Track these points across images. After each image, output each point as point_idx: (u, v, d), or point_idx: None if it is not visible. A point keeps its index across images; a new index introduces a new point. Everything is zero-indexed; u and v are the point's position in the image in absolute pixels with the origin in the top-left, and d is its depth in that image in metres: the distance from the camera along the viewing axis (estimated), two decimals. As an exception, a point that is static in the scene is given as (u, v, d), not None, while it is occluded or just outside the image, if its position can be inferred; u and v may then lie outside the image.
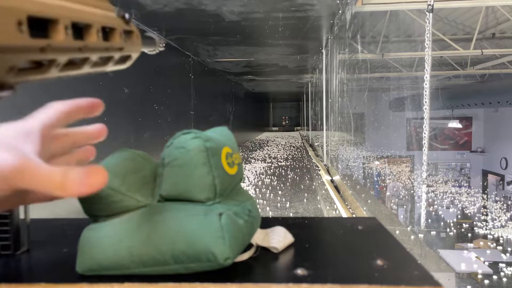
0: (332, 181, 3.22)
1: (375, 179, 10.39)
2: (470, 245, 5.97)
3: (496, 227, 6.76)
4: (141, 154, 0.34)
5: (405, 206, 9.12)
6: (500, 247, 5.67)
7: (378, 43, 4.94)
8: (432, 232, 6.47)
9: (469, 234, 6.68)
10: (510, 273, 4.67)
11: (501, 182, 9.46)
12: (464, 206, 8.40)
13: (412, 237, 2.00)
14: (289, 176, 3.48)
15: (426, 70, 2.26)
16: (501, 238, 6.08)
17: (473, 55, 5.25)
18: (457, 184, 10.24)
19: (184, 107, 3.75)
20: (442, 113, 9.58)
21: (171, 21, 2.69)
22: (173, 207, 0.31)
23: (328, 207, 2.31)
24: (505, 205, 8.15)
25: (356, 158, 10.25)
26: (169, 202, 0.31)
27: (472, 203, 8.49)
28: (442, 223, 7.36)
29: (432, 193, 8.93)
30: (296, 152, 5.57)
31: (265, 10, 2.45)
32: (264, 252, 0.34)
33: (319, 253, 0.35)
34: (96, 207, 0.30)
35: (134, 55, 0.28)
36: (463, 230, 6.97)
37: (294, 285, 0.29)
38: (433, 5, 2.27)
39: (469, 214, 8.07)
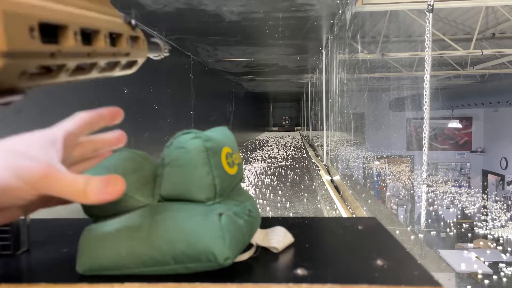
0: (332, 181, 3.22)
1: (375, 179, 10.39)
2: (470, 245, 5.97)
3: (496, 227, 6.76)
4: (141, 154, 0.34)
5: (405, 206, 9.12)
6: (500, 247, 5.67)
7: (378, 43, 4.94)
8: (432, 232, 6.48)
9: (469, 234, 6.68)
10: (510, 273, 4.67)
11: (501, 182, 9.46)
12: (464, 206, 8.40)
13: (412, 237, 2.00)
14: (289, 176, 3.48)
15: (426, 70, 2.26)
16: (501, 238, 6.08)
17: (473, 55, 5.25)
18: (457, 184, 10.24)
19: (184, 107, 3.75)
20: (442, 113, 9.58)
21: (171, 21, 2.69)
22: (173, 207, 0.31)
23: (328, 207, 2.31)
24: (505, 205, 8.15)
25: (356, 158, 10.25)
26: (169, 202, 0.31)
27: (472, 203, 8.49)
28: (442, 223, 7.36)
29: (432, 193, 8.93)
30: (296, 152, 5.57)
31: (265, 10, 2.45)
32: (264, 252, 0.34)
33: (319, 253, 0.35)
34: (96, 207, 0.30)
35: (140, 60, 0.28)
36: (463, 230, 6.97)
37: (294, 285, 0.29)
38: (433, 5, 2.27)
39: (469, 214, 8.07)
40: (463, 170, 10.81)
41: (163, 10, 2.39)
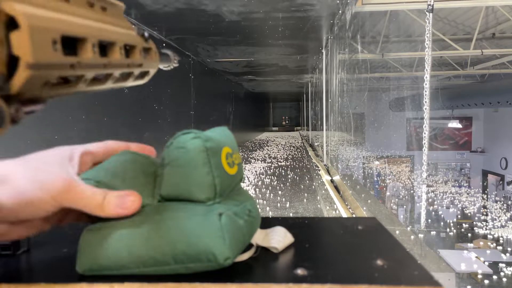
0: (332, 181, 3.22)
1: (375, 179, 10.40)
2: (470, 245, 5.98)
3: (496, 227, 6.76)
4: (141, 154, 0.34)
5: (405, 206, 9.13)
6: (500, 247, 5.68)
7: (378, 43, 4.94)
8: (432, 232, 6.48)
9: (469, 234, 6.68)
10: (510, 273, 4.67)
11: (501, 182, 9.46)
12: (464, 206, 8.41)
13: (412, 237, 2.00)
14: (289, 176, 3.48)
15: (426, 70, 2.27)
16: (501, 238, 6.08)
17: (473, 55, 5.26)
18: (457, 184, 10.24)
19: (184, 107, 3.75)
20: (442, 113, 9.58)
21: (171, 21, 2.69)
22: (173, 207, 0.31)
23: (328, 207, 2.32)
24: (505, 205, 8.16)
25: (356, 158, 10.26)
26: (169, 202, 0.31)
27: (472, 203, 8.49)
28: (442, 223, 7.36)
29: (432, 193, 8.93)
30: (296, 152, 5.58)
31: (265, 10, 2.45)
32: (264, 252, 0.34)
33: (319, 253, 0.35)
34: None
35: (152, 71, 0.30)
36: (463, 230, 6.97)
37: (294, 285, 0.29)
38: (433, 5, 2.27)
39: (469, 214, 8.07)
40: (463, 170, 10.81)
41: (163, 10, 2.39)
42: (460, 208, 8.41)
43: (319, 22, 2.79)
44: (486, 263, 4.82)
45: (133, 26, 0.27)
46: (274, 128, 13.89)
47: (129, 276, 0.29)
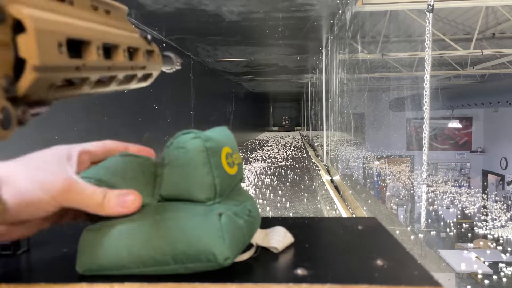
0: (332, 181, 3.22)
1: (375, 179, 10.40)
2: (470, 245, 5.98)
3: (496, 227, 6.76)
4: (141, 155, 0.34)
5: (405, 206, 9.13)
6: (500, 247, 5.68)
7: (378, 43, 4.94)
8: (432, 232, 6.48)
9: (469, 234, 6.68)
10: (510, 273, 4.67)
11: (501, 182, 9.46)
12: (464, 206, 8.41)
13: (412, 237, 2.00)
14: (289, 176, 3.48)
15: (426, 70, 2.27)
16: (501, 238, 6.08)
17: (473, 55, 5.26)
18: (457, 184, 10.24)
19: (184, 107, 3.75)
20: (442, 113, 9.58)
21: (171, 21, 2.69)
22: (173, 207, 0.31)
23: (328, 207, 2.32)
24: (505, 205, 8.16)
25: (356, 158, 10.26)
26: (169, 202, 0.31)
27: (472, 203, 8.49)
28: (442, 223, 7.36)
29: (432, 193, 8.93)
30: (296, 152, 5.58)
31: (265, 10, 2.45)
32: (264, 252, 0.34)
33: (319, 253, 0.35)
34: None
35: (155, 73, 0.30)
36: (463, 230, 6.97)
37: (294, 285, 0.29)
38: (433, 5, 2.27)
39: (469, 214, 8.07)
40: (463, 170, 10.81)
41: (163, 10, 2.39)
42: (460, 208, 8.41)
43: (319, 22, 2.79)
44: (486, 263, 4.82)
45: (136, 29, 0.27)
46: (274, 128, 13.89)
47: (129, 276, 0.29)
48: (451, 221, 7.35)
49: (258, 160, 4.77)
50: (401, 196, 9.30)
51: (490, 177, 10.02)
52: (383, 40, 4.85)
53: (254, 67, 5.14)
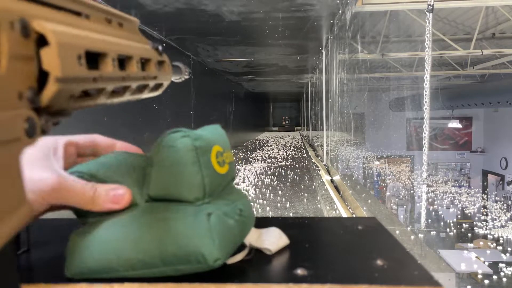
0: (332, 181, 3.22)
1: (375, 179, 10.40)
2: (470, 245, 5.98)
3: (496, 227, 6.76)
4: (134, 154, 0.33)
5: (405, 206, 9.13)
6: (500, 247, 5.68)
7: (378, 43, 4.94)
8: (432, 232, 6.48)
9: (469, 234, 6.68)
10: (510, 273, 4.67)
11: (501, 182, 9.46)
12: (464, 206, 8.41)
13: (412, 237, 2.01)
14: (289, 176, 3.48)
15: (426, 70, 2.27)
16: (501, 238, 6.08)
17: (473, 55, 5.26)
18: (457, 184, 10.24)
19: (184, 107, 3.75)
20: (442, 113, 9.58)
21: (171, 21, 2.69)
22: (161, 207, 0.30)
23: (328, 207, 2.32)
24: (505, 205, 8.16)
25: (356, 158, 10.26)
26: (157, 202, 0.31)
27: (472, 203, 8.49)
28: (442, 223, 7.36)
29: (432, 193, 8.93)
30: (296, 152, 5.58)
31: (265, 10, 2.45)
32: (263, 252, 0.34)
33: (319, 253, 0.35)
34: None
35: (166, 83, 0.31)
36: (463, 230, 6.97)
37: (294, 285, 0.29)
38: (433, 5, 2.27)
39: (469, 214, 8.07)
40: (463, 170, 10.82)
41: (163, 10, 2.39)
42: (460, 208, 8.41)
43: (319, 22, 2.79)
44: (486, 263, 4.82)
45: (148, 40, 0.28)
46: (274, 128, 13.89)
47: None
48: (451, 221, 7.35)
49: (258, 160, 4.77)
50: (401, 196, 9.31)
51: (490, 177, 10.02)
52: (383, 40, 4.85)
53: (254, 67, 5.14)
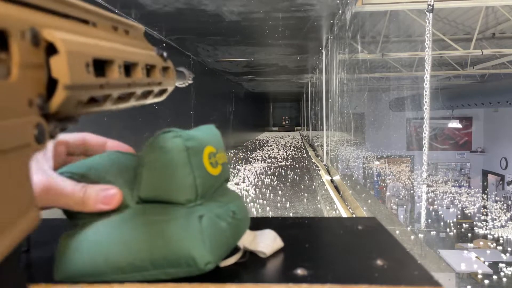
0: (332, 181, 3.22)
1: (375, 179, 10.40)
2: (470, 245, 5.98)
3: (496, 227, 6.76)
4: (127, 153, 0.33)
5: (405, 206, 9.13)
6: (500, 247, 5.68)
7: (378, 43, 4.94)
8: (432, 232, 6.48)
9: (469, 234, 6.68)
10: (510, 273, 4.67)
11: (501, 182, 9.46)
12: (464, 206, 8.41)
13: (412, 237, 2.00)
14: (289, 176, 3.48)
15: (426, 70, 2.27)
16: (501, 238, 6.08)
17: (473, 55, 5.26)
18: (457, 184, 10.24)
19: (184, 107, 3.75)
20: (442, 113, 9.58)
21: (171, 21, 2.69)
22: (151, 210, 0.29)
23: (328, 207, 2.32)
24: (505, 205, 8.16)
25: (356, 158, 10.26)
26: (148, 204, 0.30)
27: (472, 203, 8.49)
28: (442, 223, 7.36)
29: (432, 193, 8.93)
30: (296, 152, 5.58)
31: (265, 10, 2.45)
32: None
33: (319, 253, 0.35)
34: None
35: (170, 89, 0.31)
36: (463, 230, 6.97)
37: (294, 285, 0.29)
38: (433, 5, 2.27)
39: (469, 214, 8.07)
40: (463, 170, 10.81)
41: (163, 10, 2.39)
42: (460, 208, 8.41)
43: (319, 22, 2.79)
44: (486, 263, 4.82)
45: (153, 47, 0.29)
46: (274, 128, 13.89)
47: None
48: (451, 221, 7.35)
49: (258, 160, 4.77)
50: (401, 196, 9.30)
51: (490, 177, 10.02)
52: (383, 40, 4.85)
53: (254, 67, 5.14)
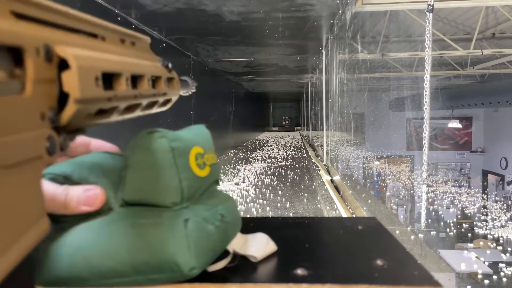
0: (332, 181, 3.22)
1: (375, 179, 10.39)
2: (470, 245, 5.98)
3: (496, 227, 6.76)
4: (111, 154, 0.32)
5: (405, 206, 9.13)
6: (500, 247, 5.67)
7: (378, 43, 4.94)
8: (432, 232, 6.48)
9: (469, 234, 6.68)
10: (510, 273, 4.67)
11: (501, 182, 9.46)
12: (464, 206, 8.41)
13: (412, 237, 2.00)
14: (289, 176, 3.48)
15: (426, 70, 2.27)
16: (501, 238, 6.08)
17: (473, 55, 5.25)
18: (457, 184, 10.24)
19: (184, 107, 3.75)
20: (442, 113, 9.58)
21: (171, 21, 2.69)
22: (135, 213, 0.28)
23: (328, 207, 2.32)
24: (505, 205, 8.15)
25: (356, 158, 10.26)
26: (132, 207, 0.29)
27: (472, 203, 8.49)
28: (442, 223, 7.36)
29: (432, 193, 8.93)
30: (296, 152, 5.57)
31: (265, 10, 2.45)
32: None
33: (319, 253, 0.35)
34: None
35: (174, 98, 0.31)
36: (463, 230, 6.97)
37: (294, 285, 0.29)
38: (433, 5, 2.27)
39: (469, 214, 8.07)
40: (463, 170, 10.81)
41: (163, 10, 2.39)
42: (460, 208, 8.41)
43: (319, 22, 2.79)
44: (486, 263, 4.82)
45: (158, 58, 0.29)
46: (274, 128, 13.89)
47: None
48: (451, 221, 7.34)
49: (258, 160, 4.77)
50: (401, 196, 9.30)
51: (490, 177, 10.02)
52: (383, 40, 4.85)
53: (254, 67, 5.14)
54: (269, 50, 3.89)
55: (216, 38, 3.27)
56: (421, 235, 2.16)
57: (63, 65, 0.17)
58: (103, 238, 0.27)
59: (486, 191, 9.50)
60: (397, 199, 9.30)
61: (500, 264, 4.86)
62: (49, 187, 0.26)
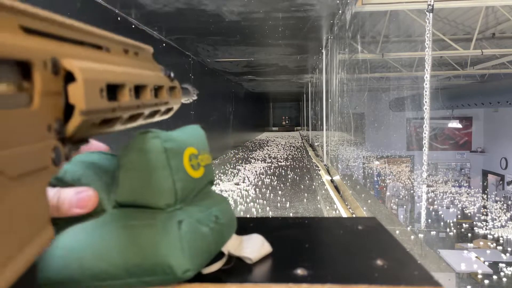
0: (332, 181, 3.22)
1: (375, 179, 10.40)
2: (470, 245, 5.98)
3: (496, 227, 6.76)
4: (105, 155, 0.32)
5: (405, 206, 9.13)
6: (500, 247, 5.68)
7: (378, 43, 4.94)
8: (432, 232, 6.48)
9: (469, 234, 6.68)
10: (510, 273, 4.67)
11: (501, 182, 9.46)
12: (464, 206, 8.41)
13: (412, 237, 2.00)
14: (289, 176, 3.48)
15: (426, 70, 2.27)
16: (501, 238, 6.08)
17: (473, 55, 5.26)
18: (457, 184, 10.24)
19: (184, 107, 3.74)
20: (442, 113, 9.59)
21: (171, 21, 2.69)
22: (128, 214, 0.28)
23: (328, 207, 2.32)
24: (505, 205, 8.16)
25: (356, 158, 10.26)
26: (124, 208, 0.28)
27: (472, 203, 8.49)
28: (442, 223, 7.36)
29: (432, 193, 8.93)
30: (296, 152, 5.57)
31: (265, 10, 2.45)
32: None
33: (319, 253, 0.35)
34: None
35: (176, 107, 0.32)
36: (463, 230, 6.97)
37: (294, 285, 0.29)
38: (433, 5, 2.27)
39: (469, 214, 8.07)
40: (463, 170, 10.81)
41: (163, 10, 2.39)
42: (460, 208, 8.41)
43: (319, 22, 2.79)
44: (486, 263, 4.82)
45: (161, 67, 0.30)
46: (274, 128, 13.89)
47: None
48: (451, 221, 7.35)
49: (258, 160, 4.77)
50: (401, 196, 9.30)
51: (490, 177, 10.02)
52: (383, 40, 4.85)
53: (254, 67, 5.14)
54: (269, 50, 3.89)
55: (216, 38, 3.27)
56: (421, 235, 2.16)
57: (69, 77, 0.17)
58: (96, 239, 0.27)
59: (486, 191, 9.50)
60: (397, 199, 9.30)
61: (500, 264, 4.86)
62: None
